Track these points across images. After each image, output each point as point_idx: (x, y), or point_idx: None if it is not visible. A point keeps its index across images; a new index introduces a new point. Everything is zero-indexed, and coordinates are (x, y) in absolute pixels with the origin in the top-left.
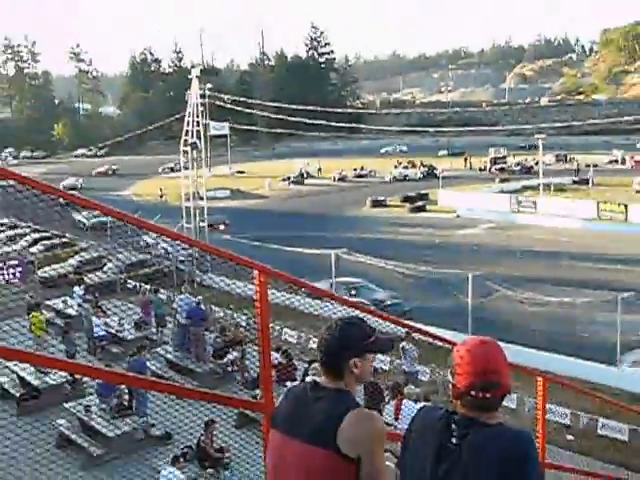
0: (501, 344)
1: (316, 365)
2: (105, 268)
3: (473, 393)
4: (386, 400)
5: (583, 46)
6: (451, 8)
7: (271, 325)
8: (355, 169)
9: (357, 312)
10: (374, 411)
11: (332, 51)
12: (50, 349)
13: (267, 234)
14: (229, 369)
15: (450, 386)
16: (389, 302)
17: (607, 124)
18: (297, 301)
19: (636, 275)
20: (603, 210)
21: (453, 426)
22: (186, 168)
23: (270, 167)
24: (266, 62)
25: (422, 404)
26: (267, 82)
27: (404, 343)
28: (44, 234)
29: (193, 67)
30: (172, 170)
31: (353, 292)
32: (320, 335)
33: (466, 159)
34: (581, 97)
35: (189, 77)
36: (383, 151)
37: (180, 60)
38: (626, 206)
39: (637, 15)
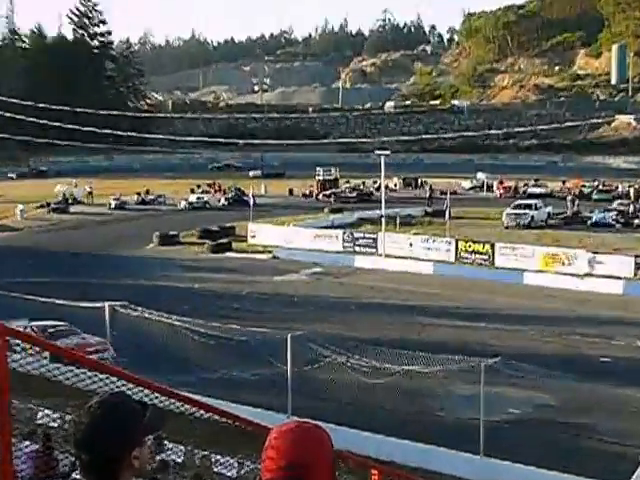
0: (333, 427)
1: None
2: None
3: None
4: None
5: (441, 35)
6: None
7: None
8: (138, 193)
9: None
10: None
11: (109, 32)
12: None
13: (17, 279)
14: None
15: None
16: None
17: (470, 138)
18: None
19: (504, 335)
20: (463, 251)
21: None
22: None
23: (24, 189)
24: (17, 44)
25: None
26: (18, 72)
27: None
28: None
29: None
30: None
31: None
32: (78, 427)
33: (291, 190)
34: (437, 102)
35: None
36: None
37: None
38: (492, 246)
39: None
